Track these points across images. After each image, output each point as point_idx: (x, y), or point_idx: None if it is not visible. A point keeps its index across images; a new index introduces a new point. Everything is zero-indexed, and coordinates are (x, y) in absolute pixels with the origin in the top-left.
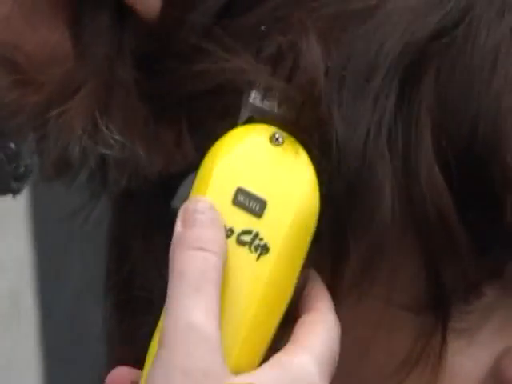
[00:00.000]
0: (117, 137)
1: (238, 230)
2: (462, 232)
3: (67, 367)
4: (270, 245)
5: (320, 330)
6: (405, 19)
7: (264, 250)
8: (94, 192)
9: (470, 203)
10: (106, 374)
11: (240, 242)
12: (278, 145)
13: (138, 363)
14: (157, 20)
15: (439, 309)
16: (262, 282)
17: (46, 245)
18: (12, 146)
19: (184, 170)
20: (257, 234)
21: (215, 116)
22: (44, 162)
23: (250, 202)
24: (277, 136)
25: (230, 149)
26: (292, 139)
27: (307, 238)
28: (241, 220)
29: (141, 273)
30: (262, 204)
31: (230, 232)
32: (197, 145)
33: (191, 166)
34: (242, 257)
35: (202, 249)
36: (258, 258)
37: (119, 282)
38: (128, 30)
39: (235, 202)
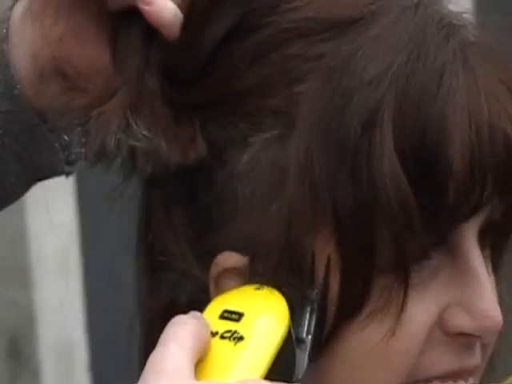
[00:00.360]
0: (144, 132)
1: (221, 331)
2: (418, 213)
3: (106, 311)
4: (245, 335)
5: None
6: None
7: (240, 339)
8: (126, 175)
9: (423, 190)
10: (138, 318)
11: (222, 338)
12: (259, 289)
13: (161, 311)
14: (177, 42)
15: (401, 269)
16: (238, 358)
17: (90, 213)
18: (65, 138)
19: (197, 163)
20: (235, 331)
21: (222, 120)
22: (87, 151)
23: (231, 315)
24: (259, 287)
25: (225, 292)
26: (270, 288)
27: (278, 335)
28: (224, 326)
29: (161, 240)
30: (241, 315)
31: (215, 333)
32: (207, 143)
33: (202, 161)
34: (224, 345)
35: (185, 323)
36: (235, 344)
37: (145, 247)
38: (154, 48)
39: (220, 317)
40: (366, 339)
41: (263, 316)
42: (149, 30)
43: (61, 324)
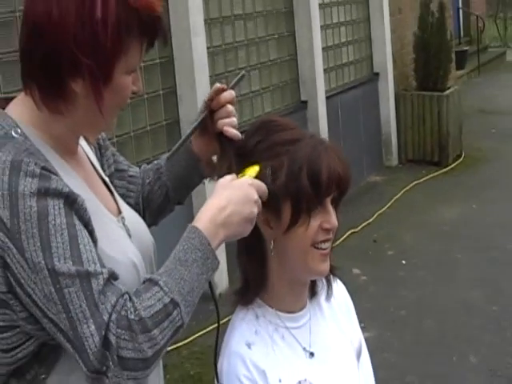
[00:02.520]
0: (231, 172)
1: (239, 176)
2: (313, 195)
3: None
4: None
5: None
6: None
7: (244, 175)
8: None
9: (314, 188)
10: None
11: (241, 177)
12: (255, 167)
13: None
14: (240, 143)
15: (308, 211)
16: (243, 177)
17: None
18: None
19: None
20: (244, 175)
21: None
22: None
23: (243, 172)
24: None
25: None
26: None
27: (254, 174)
28: (240, 176)
29: None
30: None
31: (239, 176)
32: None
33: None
34: (240, 178)
35: (228, 176)
36: (243, 177)
37: None
38: (231, 144)
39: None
40: (299, 231)
41: (250, 171)
42: (229, 139)
43: None
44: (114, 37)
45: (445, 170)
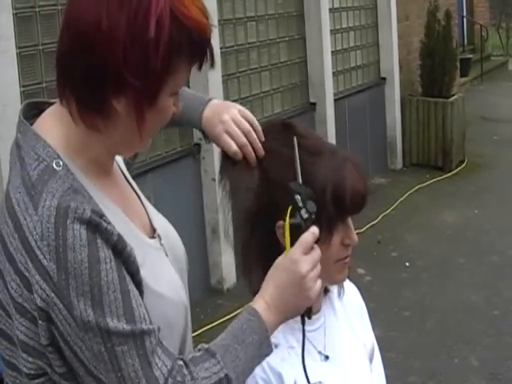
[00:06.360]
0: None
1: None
2: (335, 212)
3: None
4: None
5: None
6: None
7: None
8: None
9: (337, 206)
10: None
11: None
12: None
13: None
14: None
15: (332, 226)
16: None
17: None
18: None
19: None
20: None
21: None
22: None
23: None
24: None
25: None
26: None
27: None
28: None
29: None
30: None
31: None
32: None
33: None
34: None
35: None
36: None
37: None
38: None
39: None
40: (321, 248)
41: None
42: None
43: None
44: (164, 58)
45: (448, 174)
